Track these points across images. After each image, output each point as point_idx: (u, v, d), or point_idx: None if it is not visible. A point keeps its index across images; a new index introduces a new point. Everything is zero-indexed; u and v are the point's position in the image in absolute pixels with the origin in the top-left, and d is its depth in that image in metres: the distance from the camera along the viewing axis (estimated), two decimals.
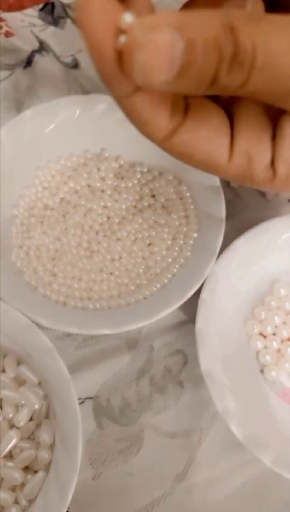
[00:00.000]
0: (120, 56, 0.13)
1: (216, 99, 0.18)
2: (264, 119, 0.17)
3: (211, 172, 0.17)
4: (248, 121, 0.17)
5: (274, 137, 0.17)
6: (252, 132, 0.17)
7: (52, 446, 0.25)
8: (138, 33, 0.12)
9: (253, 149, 0.16)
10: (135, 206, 0.32)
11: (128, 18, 0.13)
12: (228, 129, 0.17)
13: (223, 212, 0.28)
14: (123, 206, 0.31)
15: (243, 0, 0.17)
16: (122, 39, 0.13)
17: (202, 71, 0.13)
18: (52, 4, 0.39)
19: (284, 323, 0.30)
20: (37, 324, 0.25)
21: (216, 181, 0.29)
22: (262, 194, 0.34)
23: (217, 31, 0.12)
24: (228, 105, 0.17)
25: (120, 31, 0.13)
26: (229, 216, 0.33)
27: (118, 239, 0.31)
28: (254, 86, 0.13)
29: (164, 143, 0.16)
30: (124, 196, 0.32)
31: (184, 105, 0.16)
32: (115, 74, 0.13)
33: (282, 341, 0.30)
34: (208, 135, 0.16)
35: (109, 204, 0.31)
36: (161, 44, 0.12)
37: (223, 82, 0.13)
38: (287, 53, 0.13)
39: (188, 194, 0.31)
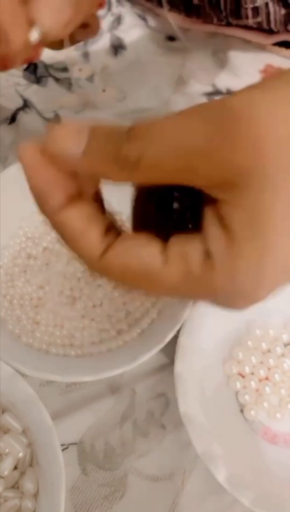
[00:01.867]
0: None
1: None
2: None
3: (149, 284, 0.17)
4: None
5: (202, 230, 0.17)
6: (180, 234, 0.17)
7: (36, 495, 0.26)
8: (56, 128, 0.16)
9: (185, 247, 0.16)
10: None
11: None
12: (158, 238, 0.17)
13: None
14: None
15: None
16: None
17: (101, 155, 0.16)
18: (35, 65, 0.42)
19: (261, 362, 0.31)
20: (20, 373, 0.26)
21: None
22: None
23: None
24: None
25: None
26: None
27: (99, 285, 0.32)
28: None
29: (99, 261, 0.17)
30: None
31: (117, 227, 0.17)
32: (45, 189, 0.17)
33: (260, 380, 0.31)
34: (140, 244, 0.17)
35: None
36: (71, 126, 0.16)
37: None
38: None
39: None
